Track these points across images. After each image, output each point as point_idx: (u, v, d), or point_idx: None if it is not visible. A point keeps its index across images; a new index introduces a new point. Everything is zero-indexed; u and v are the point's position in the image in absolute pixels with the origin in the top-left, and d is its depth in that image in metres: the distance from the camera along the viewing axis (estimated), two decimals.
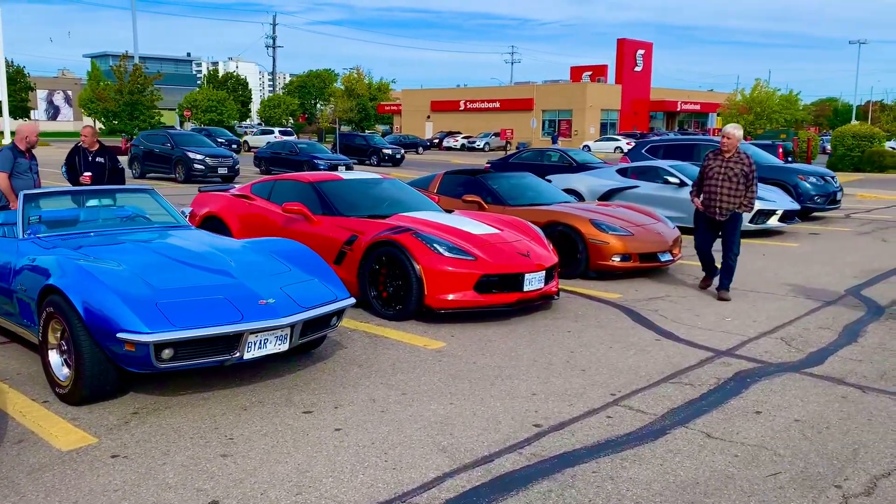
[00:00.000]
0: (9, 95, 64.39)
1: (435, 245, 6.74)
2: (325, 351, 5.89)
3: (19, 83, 68.25)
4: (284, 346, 4.81)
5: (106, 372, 4.53)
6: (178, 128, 66.54)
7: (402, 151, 40.25)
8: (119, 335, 4.25)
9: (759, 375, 5.50)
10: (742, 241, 12.66)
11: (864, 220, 15.78)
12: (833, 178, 15.80)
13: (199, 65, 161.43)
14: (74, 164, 9.88)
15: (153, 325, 4.27)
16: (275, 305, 4.70)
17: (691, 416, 4.70)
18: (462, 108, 72.17)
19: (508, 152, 36.17)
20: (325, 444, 4.16)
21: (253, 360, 4.70)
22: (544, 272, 7.11)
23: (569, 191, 14.44)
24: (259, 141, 48.81)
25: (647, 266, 9.12)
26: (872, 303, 7.92)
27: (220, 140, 45.59)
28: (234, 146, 46.19)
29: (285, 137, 46.71)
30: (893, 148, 34.26)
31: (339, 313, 5.24)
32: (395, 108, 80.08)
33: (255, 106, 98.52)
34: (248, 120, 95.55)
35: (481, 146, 60.67)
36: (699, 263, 9.18)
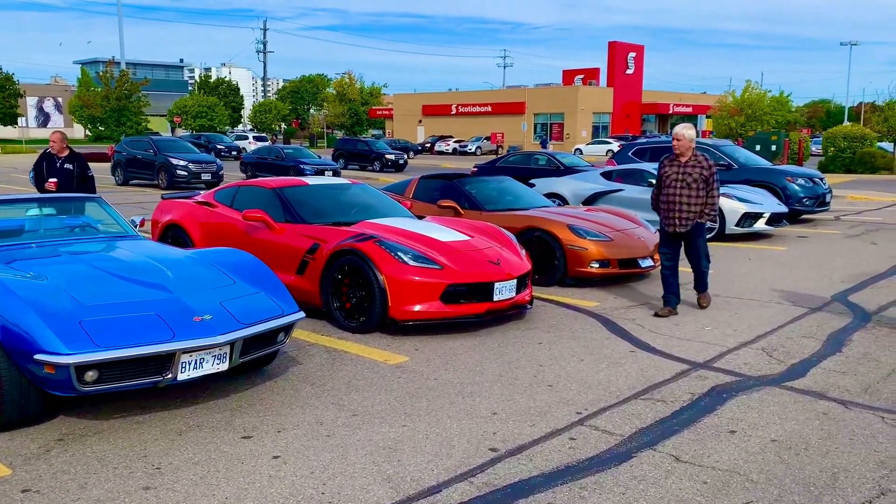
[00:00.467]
0: None
1: (399, 253, 6.41)
2: (277, 368, 5.56)
3: (8, 90, 67.77)
4: (224, 366, 4.48)
5: (28, 395, 4.19)
6: (172, 134, 66.33)
7: (406, 157, 39.40)
8: (37, 356, 3.92)
9: (736, 390, 5.18)
10: (728, 245, 12.52)
11: (853, 222, 15.50)
12: (822, 179, 15.53)
13: (191, 71, 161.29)
14: (41, 170, 9.58)
15: (74, 346, 3.94)
16: (211, 322, 4.37)
17: (661, 436, 4.38)
18: (454, 112, 71.88)
19: (499, 156, 35.87)
20: (260, 475, 3.82)
21: (189, 381, 4.37)
22: (515, 281, 6.79)
23: (552, 195, 14.16)
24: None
25: (628, 272, 8.80)
26: (859, 309, 7.62)
27: (219, 146, 45.18)
28: (235, 153, 45.78)
29: (260, 143, 46.27)
30: (884, 149, 34.03)
31: (287, 329, 4.91)
32: (386, 112, 79.80)
33: (247, 112, 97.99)
34: (239, 125, 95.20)
35: (473, 150, 60.34)
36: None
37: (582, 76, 69.07)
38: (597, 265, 8.59)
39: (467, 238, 7.12)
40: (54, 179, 9.17)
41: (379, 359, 5.82)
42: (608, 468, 3.94)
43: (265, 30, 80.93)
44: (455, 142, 63.31)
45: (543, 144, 51.47)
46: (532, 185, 14.83)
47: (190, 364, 4.28)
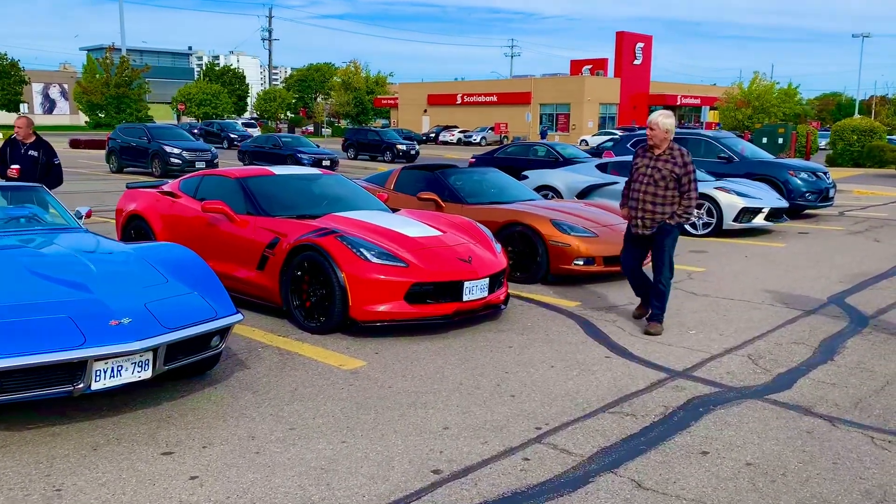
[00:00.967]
0: (1, 89, 63.87)
1: (361, 249, 6.00)
2: (221, 372, 5.16)
3: (13, 77, 67.57)
4: (147, 374, 4.09)
5: None
6: (177, 122, 66.04)
7: (417, 147, 38.66)
8: None
9: (714, 403, 4.76)
10: (725, 240, 12.03)
11: (858, 217, 15.01)
12: (826, 173, 15.03)
13: (200, 58, 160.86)
14: (5, 157, 9.20)
15: None
16: (129, 326, 3.97)
17: (625, 457, 3.96)
18: (459, 102, 71.27)
19: (498, 146, 35.18)
20: (170, 499, 3.43)
21: (106, 390, 3.98)
22: (488, 279, 6.37)
23: (546, 187, 13.74)
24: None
25: (614, 270, 8.36)
26: (856, 312, 7.18)
27: (232, 135, 44.69)
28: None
29: (251, 130, 45.74)
30: (894, 142, 33.42)
31: (223, 333, 4.51)
32: (392, 101, 79.20)
33: (253, 100, 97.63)
34: (246, 113, 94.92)
35: (478, 140, 59.80)
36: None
37: (590, 66, 68.36)
38: (581, 262, 8.16)
39: (439, 234, 6.71)
40: (17, 166, 8.78)
41: (334, 363, 5.42)
42: (560, 495, 3.53)
43: (270, 17, 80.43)
44: (460, 132, 62.79)
45: (543, 135, 50.83)
46: (525, 178, 14.44)
47: (106, 372, 3.89)
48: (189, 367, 4.71)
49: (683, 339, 6.21)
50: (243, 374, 5.17)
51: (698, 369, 5.45)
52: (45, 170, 9.20)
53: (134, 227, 8.01)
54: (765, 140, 31.95)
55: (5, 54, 65.91)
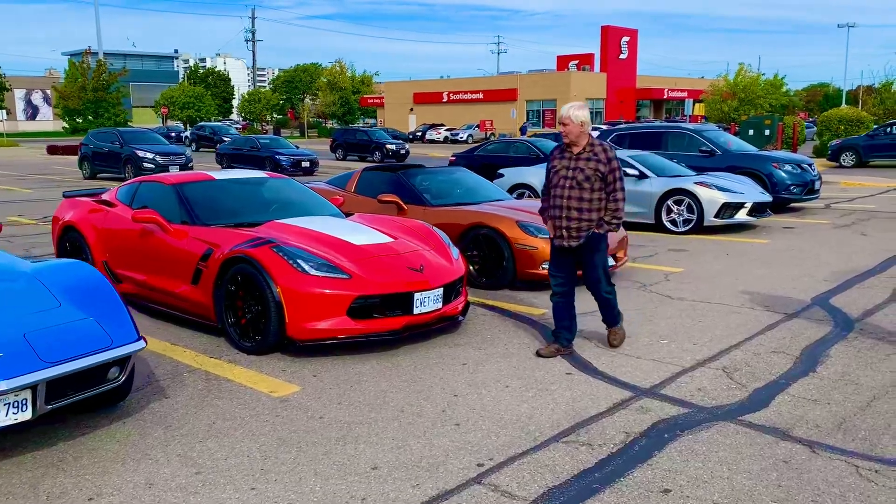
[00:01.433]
0: None
1: (298, 261, 5.48)
2: (136, 403, 4.64)
3: None
4: (27, 415, 3.56)
5: None
6: (163, 125, 65.21)
7: (407, 146, 37.94)
8: None
9: (682, 427, 4.26)
10: (706, 237, 11.49)
11: (844, 210, 14.56)
12: (811, 165, 14.58)
13: (186, 61, 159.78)
14: None
15: None
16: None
17: (574, 499, 3.45)
18: (445, 100, 70.71)
19: (477, 144, 34.46)
20: None
21: None
22: (442, 289, 5.86)
23: (522, 186, 13.25)
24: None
25: None
26: (841, 315, 6.69)
27: (225, 138, 43.83)
28: None
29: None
30: None
31: (121, 363, 3.98)
32: (377, 100, 78.57)
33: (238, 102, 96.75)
34: (232, 115, 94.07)
35: (464, 138, 59.22)
36: (649, 267, 8.00)
37: (576, 62, 67.90)
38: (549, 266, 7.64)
39: (389, 240, 6.19)
40: None
41: (264, 389, 4.89)
42: None
43: (253, 18, 79.66)
44: (446, 130, 62.20)
45: (522, 131, 50.27)
46: (501, 176, 13.93)
47: None
48: (96, 399, 4.19)
49: (653, 350, 5.71)
50: (160, 405, 4.64)
51: (667, 386, 4.95)
52: None
53: (69, 240, 7.47)
54: (751, 132, 31.48)
55: None
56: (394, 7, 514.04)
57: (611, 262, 7.98)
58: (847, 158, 26.71)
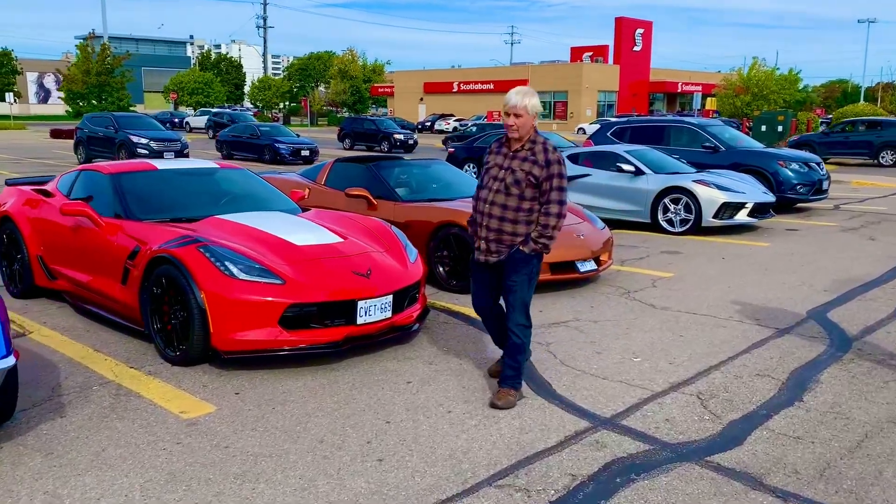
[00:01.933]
0: None
1: (226, 263, 4.92)
2: (28, 423, 4.10)
3: (5, 66, 66.50)
4: None
5: None
6: (174, 110, 64.90)
7: (415, 136, 37.04)
8: None
9: (639, 469, 3.68)
10: (704, 239, 10.83)
11: (854, 212, 13.87)
12: (819, 164, 13.89)
13: (201, 47, 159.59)
14: None
15: None
16: None
17: None
18: (455, 90, 69.90)
19: (476, 135, 33.64)
20: None
21: None
22: (392, 296, 5.28)
23: None
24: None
25: (562, 278, 7.29)
26: (838, 331, 6.08)
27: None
28: None
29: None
30: None
31: None
32: (388, 89, 77.88)
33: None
34: (245, 102, 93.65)
35: (473, 129, 58.47)
36: (636, 270, 7.42)
37: (590, 53, 66.92)
38: None
39: (338, 240, 5.61)
40: None
41: (175, 409, 4.35)
42: None
43: (265, 4, 79.05)
44: (455, 120, 61.44)
45: None
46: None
47: None
48: None
49: (624, 370, 5.12)
50: (51, 426, 4.10)
51: (631, 415, 4.37)
52: None
53: (5, 231, 6.94)
54: (764, 128, 30.74)
55: None
56: None
57: (591, 265, 7.42)
58: None
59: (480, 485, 3.52)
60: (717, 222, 10.83)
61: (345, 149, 35.34)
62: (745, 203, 10.95)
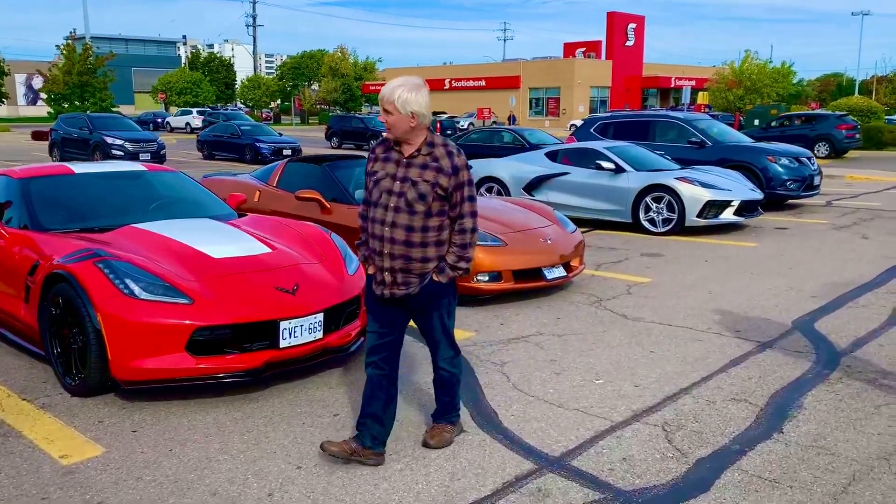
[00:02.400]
0: None
1: (127, 281, 4.32)
2: None
3: None
4: None
5: None
6: (165, 110, 64.16)
7: None
8: None
9: None
10: (687, 240, 10.24)
11: (846, 208, 13.29)
12: (810, 159, 13.31)
13: (194, 47, 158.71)
14: None
15: None
16: None
17: None
18: (447, 87, 69.22)
19: (463, 132, 33.01)
20: None
21: None
22: (322, 314, 4.68)
23: (490, 179, 12.08)
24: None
25: (528, 286, 6.70)
26: (825, 344, 5.50)
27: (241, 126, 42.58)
28: None
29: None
30: (893, 122, 31.64)
31: None
32: (379, 87, 77.02)
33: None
34: (238, 102, 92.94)
35: (465, 126, 57.90)
36: (611, 276, 6.89)
37: (583, 49, 66.29)
38: (485, 278, 6.50)
39: (264, 252, 5.01)
40: None
41: (56, 452, 3.75)
42: None
43: (254, 2, 78.33)
44: (447, 117, 60.84)
45: (512, 120, 48.91)
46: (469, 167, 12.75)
47: None
48: None
49: (582, 395, 4.53)
50: None
51: (584, 453, 3.78)
52: None
53: None
54: (756, 122, 30.24)
55: None
56: None
57: (559, 272, 6.84)
58: None
59: None
60: (702, 222, 10.25)
61: (332, 147, 34.76)
62: (731, 201, 10.37)
